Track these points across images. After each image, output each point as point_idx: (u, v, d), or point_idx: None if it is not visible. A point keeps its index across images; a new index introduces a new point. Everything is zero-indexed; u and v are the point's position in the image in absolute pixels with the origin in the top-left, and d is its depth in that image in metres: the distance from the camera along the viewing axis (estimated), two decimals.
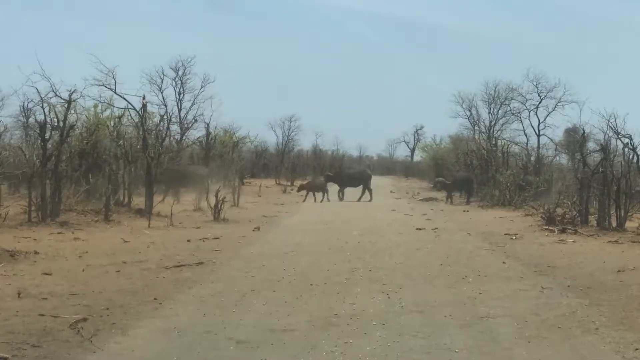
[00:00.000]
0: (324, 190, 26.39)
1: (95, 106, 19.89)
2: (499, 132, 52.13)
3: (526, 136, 51.31)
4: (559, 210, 16.38)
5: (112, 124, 20.13)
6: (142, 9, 79.88)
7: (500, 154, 27.92)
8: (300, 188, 27.06)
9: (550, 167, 30.12)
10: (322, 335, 5.85)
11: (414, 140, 78.04)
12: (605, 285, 8.29)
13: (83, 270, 8.83)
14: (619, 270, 9.31)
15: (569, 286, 8.20)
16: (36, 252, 10.01)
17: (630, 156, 16.28)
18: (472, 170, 30.32)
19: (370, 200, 26.33)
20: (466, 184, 27.83)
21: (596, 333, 6.01)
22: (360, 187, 27.36)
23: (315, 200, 25.64)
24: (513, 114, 53.70)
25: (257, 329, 6.04)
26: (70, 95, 15.63)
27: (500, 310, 6.86)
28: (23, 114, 26.97)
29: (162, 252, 10.78)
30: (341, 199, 26.56)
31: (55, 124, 15.60)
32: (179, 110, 45.71)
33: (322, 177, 28.84)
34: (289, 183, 39.49)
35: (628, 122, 16.66)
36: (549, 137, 49.30)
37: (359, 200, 26.28)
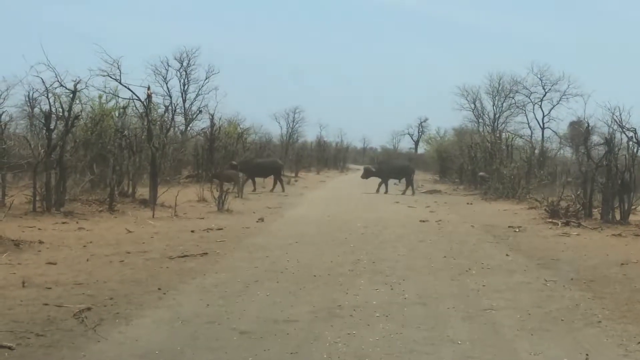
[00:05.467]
0: (236, 181, 23.47)
1: (100, 97, 19.92)
2: (503, 125, 52.24)
3: (530, 129, 51.42)
4: (563, 204, 16.37)
5: (117, 115, 20.15)
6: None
7: (504, 147, 27.82)
8: (213, 177, 24.33)
9: (555, 160, 30.06)
10: (325, 326, 5.86)
11: (418, 132, 78.23)
12: (608, 278, 8.29)
13: (87, 260, 8.86)
14: (622, 264, 9.30)
15: (572, 279, 8.19)
16: (40, 242, 10.02)
17: (635, 150, 16.23)
18: (476, 163, 30.19)
19: (283, 191, 25.04)
20: (403, 173, 26.77)
21: (599, 326, 6.02)
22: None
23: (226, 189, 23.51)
24: (517, 106, 53.78)
25: (260, 319, 6.06)
26: (75, 86, 15.61)
27: (503, 302, 6.87)
28: (28, 104, 27.07)
29: (166, 242, 10.80)
30: (254, 189, 24.83)
31: (60, 114, 15.60)
32: (184, 101, 45.95)
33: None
34: (293, 174, 39.49)
35: (633, 116, 16.54)
36: (553, 130, 49.39)
37: (271, 191, 25.06)
